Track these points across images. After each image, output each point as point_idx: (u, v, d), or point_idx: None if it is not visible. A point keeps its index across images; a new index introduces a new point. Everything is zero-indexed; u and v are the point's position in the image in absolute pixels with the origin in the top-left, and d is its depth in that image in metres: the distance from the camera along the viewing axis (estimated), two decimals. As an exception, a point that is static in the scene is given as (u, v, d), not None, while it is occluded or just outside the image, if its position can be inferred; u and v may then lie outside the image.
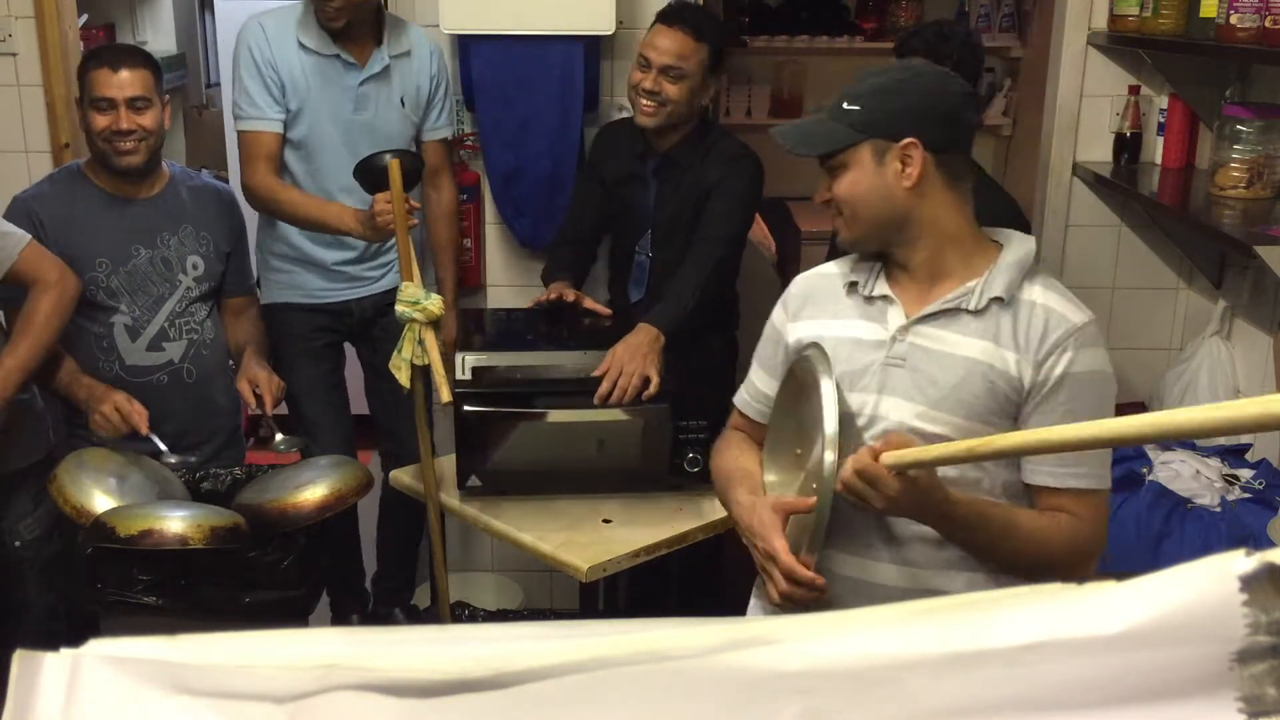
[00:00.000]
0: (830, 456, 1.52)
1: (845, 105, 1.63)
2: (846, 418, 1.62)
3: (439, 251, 3.04)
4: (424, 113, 2.90)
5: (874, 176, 1.61)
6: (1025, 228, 2.67)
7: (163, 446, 2.47)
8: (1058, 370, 1.59)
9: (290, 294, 2.92)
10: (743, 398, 1.90)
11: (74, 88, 2.79)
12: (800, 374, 1.68)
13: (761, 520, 1.65)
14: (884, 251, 1.70)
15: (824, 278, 1.79)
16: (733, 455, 1.85)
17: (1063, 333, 1.60)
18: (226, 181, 3.36)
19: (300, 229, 2.84)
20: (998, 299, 1.61)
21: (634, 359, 2.44)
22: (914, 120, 1.60)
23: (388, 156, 2.48)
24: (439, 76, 2.91)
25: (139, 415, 2.43)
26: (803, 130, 1.71)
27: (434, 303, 2.44)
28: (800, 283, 1.82)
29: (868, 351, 1.67)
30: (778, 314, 1.82)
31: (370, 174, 2.51)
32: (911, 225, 1.64)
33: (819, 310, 1.75)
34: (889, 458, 1.47)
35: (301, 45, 2.74)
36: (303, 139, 2.79)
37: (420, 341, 2.45)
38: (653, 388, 2.43)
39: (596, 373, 2.44)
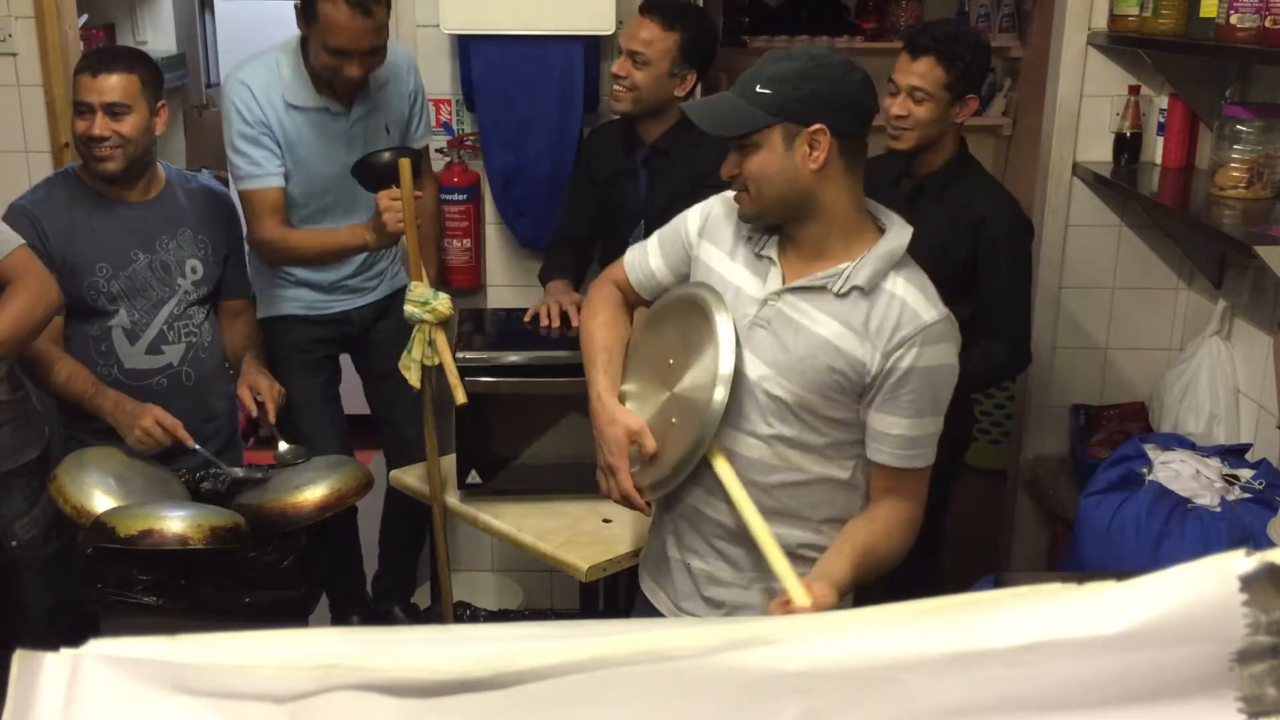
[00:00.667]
0: (720, 395, 1.72)
1: (758, 89, 1.72)
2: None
3: (421, 248, 3.05)
4: (405, 127, 2.91)
5: (782, 158, 1.72)
6: (1027, 225, 2.68)
7: (209, 454, 2.51)
8: (904, 364, 1.72)
9: (290, 306, 2.93)
10: (632, 260, 2.01)
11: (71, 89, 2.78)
12: (693, 297, 1.84)
13: (617, 438, 1.85)
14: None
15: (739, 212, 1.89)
16: (603, 321, 1.98)
17: (912, 329, 1.71)
18: (226, 184, 3.35)
19: (320, 264, 2.85)
20: (859, 288, 1.73)
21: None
22: (823, 107, 1.69)
23: (386, 155, 2.49)
24: (416, 90, 2.93)
25: (181, 429, 2.46)
26: (715, 110, 1.81)
27: (443, 303, 2.43)
28: (722, 204, 1.92)
29: (744, 305, 1.81)
30: (693, 216, 1.95)
31: (371, 172, 2.51)
32: (809, 204, 1.75)
33: (722, 240, 1.88)
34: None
35: (287, 104, 2.72)
36: (298, 189, 2.79)
37: (431, 342, 2.44)
38: None
39: None
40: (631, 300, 2.03)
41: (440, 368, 2.44)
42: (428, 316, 2.42)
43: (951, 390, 1.79)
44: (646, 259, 1.99)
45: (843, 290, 1.74)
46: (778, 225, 1.82)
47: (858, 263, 1.74)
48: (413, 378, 2.48)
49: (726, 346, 1.74)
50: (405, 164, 2.43)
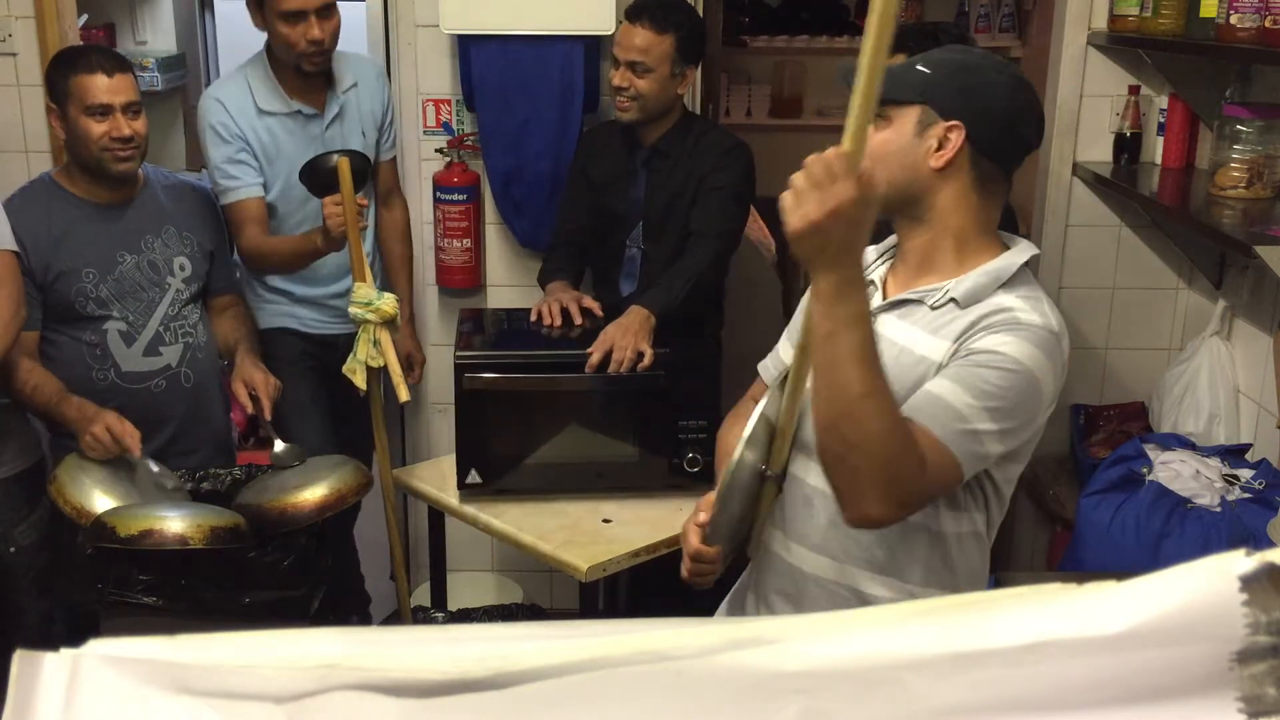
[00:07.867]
0: (735, 456, 1.58)
1: (919, 66, 1.59)
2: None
3: (394, 271, 3.08)
4: (377, 137, 2.95)
5: (908, 143, 1.57)
6: (1012, 220, 2.66)
7: (155, 468, 2.44)
8: (971, 343, 1.53)
9: (285, 320, 2.94)
10: (764, 364, 1.90)
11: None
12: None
13: (695, 508, 1.71)
14: (890, 225, 1.67)
15: None
16: (734, 434, 1.80)
17: (999, 320, 1.53)
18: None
19: (294, 270, 2.85)
20: (955, 301, 1.58)
21: (626, 335, 2.50)
22: (969, 106, 1.55)
23: (335, 157, 2.48)
24: (387, 102, 2.99)
25: (131, 436, 2.35)
26: None
27: (387, 302, 2.44)
28: None
29: None
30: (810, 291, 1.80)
31: (316, 176, 2.51)
32: (921, 206, 1.60)
33: None
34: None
35: (260, 110, 2.75)
36: (279, 197, 2.81)
37: (375, 342, 2.44)
38: (647, 360, 2.49)
39: (590, 349, 2.50)
40: None
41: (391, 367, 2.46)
42: (371, 316, 2.43)
43: (1020, 404, 1.51)
44: (778, 353, 1.86)
45: (938, 303, 1.59)
46: (894, 251, 1.69)
47: (960, 279, 1.59)
48: (359, 380, 2.49)
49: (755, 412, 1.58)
50: (344, 163, 2.44)
